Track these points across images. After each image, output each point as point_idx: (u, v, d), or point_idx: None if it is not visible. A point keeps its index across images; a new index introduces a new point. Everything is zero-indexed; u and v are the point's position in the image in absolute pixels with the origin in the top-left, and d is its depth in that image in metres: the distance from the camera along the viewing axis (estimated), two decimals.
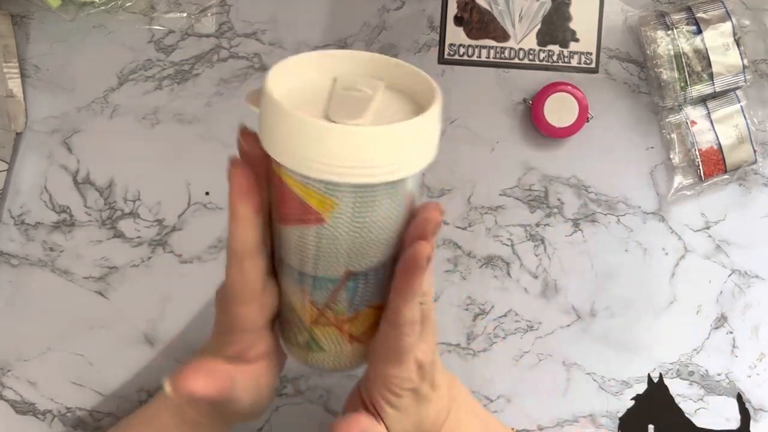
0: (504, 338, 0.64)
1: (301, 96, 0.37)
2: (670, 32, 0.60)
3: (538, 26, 0.62)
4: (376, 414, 0.43)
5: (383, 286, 0.41)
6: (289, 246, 0.39)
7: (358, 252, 0.38)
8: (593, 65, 0.62)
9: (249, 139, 0.38)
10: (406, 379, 0.42)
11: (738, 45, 0.59)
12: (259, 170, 0.38)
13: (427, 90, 0.37)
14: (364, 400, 0.44)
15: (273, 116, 0.35)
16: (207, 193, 0.62)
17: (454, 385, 0.48)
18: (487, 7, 0.62)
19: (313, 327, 0.42)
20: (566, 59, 0.62)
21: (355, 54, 0.39)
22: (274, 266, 0.42)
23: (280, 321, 0.44)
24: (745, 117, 0.61)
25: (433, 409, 0.45)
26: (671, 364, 0.64)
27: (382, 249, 0.39)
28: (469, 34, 0.62)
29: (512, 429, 0.54)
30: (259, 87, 0.37)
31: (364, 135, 0.34)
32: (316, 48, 0.61)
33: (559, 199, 0.63)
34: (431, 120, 0.36)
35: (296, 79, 0.38)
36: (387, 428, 0.43)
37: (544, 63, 0.62)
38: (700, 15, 0.59)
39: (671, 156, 0.62)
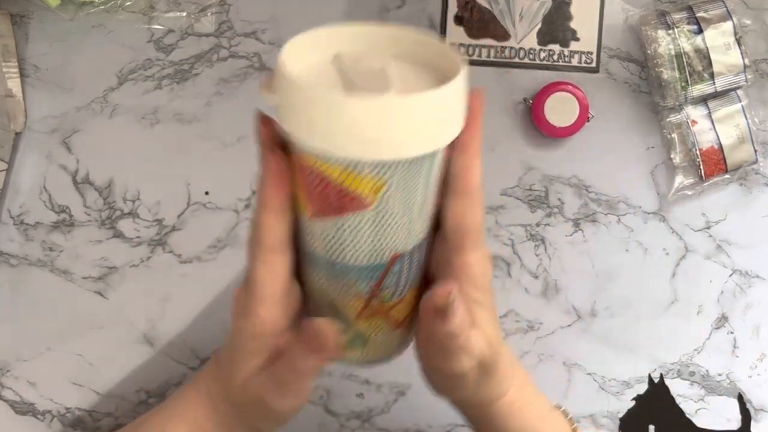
0: (504, 338, 0.63)
1: (313, 79, 0.36)
2: (670, 32, 0.59)
3: (539, 25, 0.62)
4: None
5: (424, 262, 0.40)
6: (326, 240, 0.36)
7: (406, 231, 0.36)
8: (594, 65, 0.62)
9: (270, 126, 0.36)
10: (486, 270, 0.40)
11: (739, 44, 0.59)
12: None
13: (436, 53, 0.36)
14: None
15: (307, 103, 0.32)
16: (207, 193, 0.62)
17: (519, 370, 0.47)
18: (488, 6, 0.62)
19: (358, 321, 0.40)
20: (567, 59, 0.62)
21: (353, 29, 0.37)
22: (297, 267, 0.40)
23: None
24: (745, 117, 0.61)
25: (505, 354, 0.43)
26: (672, 364, 0.64)
27: (428, 221, 0.38)
28: (470, 34, 0.62)
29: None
30: (270, 74, 0.35)
31: (415, 104, 0.32)
32: None
33: (559, 199, 0.63)
34: (465, 80, 0.34)
35: (299, 64, 0.36)
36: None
37: (545, 62, 0.62)
38: (700, 14, 0.59)
39: (672, 156, 0.62)
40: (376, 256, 0.37)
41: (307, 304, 0.41)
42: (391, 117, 0.32)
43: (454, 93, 0.34)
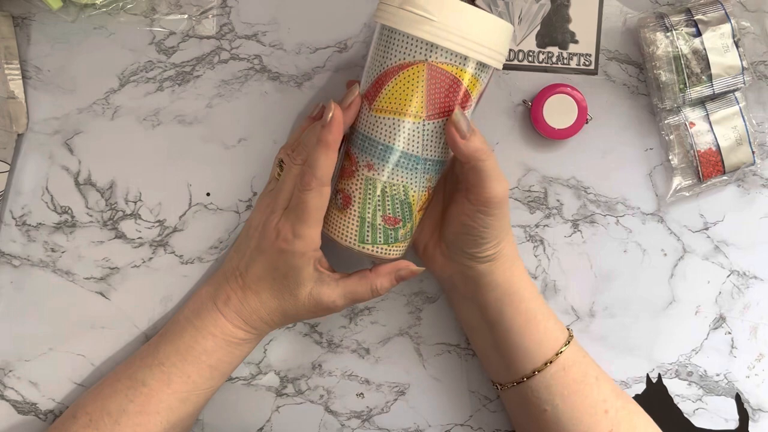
0: None
1: None
2: (669, 34, 0.60)
3: (538, 28, 0.62)
4: None
5: None
6: (434, 140, 0.49)
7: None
8: (592, 67, 0.63)
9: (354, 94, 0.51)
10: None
11: (737, 46, 0.60)
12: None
13: None
14: None
15: (468, 18, 0.46)
16: (208, 194, 0.62)
17: (519, 261, 0.57)
18: (487, 9, 0.62)
19: (419, 212, 0.52)
20: (565, 61, 0.62)
21: None
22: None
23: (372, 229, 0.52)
24: (743, 119, 0.61)
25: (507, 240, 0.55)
26: (670, 364, 0.64)
27: None
28: None
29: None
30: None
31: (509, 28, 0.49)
32: (317, 50, 0.62)
33: (558, 200, 0.63)
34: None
35: None
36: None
37: (544, 64, 0.62)
38: (699, 17, 0.60)
39: (670, 157, 0.62)
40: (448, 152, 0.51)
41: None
42: (502, 35, 0.48)
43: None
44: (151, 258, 0.62)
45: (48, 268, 0.62)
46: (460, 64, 0.47)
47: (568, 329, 0.57)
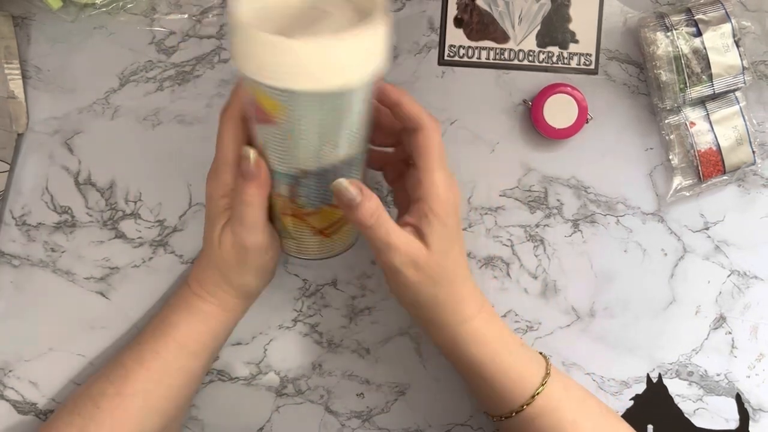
0: None
1: (267, 13, 0.44)
2: (669, 34, 0.60)
3: (538, 28, 0.62)
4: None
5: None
6: (262, 144, 0.47)
7: (307, 154, 0.45)
8: (593, 66, 0.63)
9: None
10: (449, 191, 0.49)
11: (737, 46, 0.60)
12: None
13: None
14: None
15: (238, 38, 0.41)
16: None
17: (489, 307, 0.54)
18: (487, 9, 0.62)
19: (284, 217, 0.50)
20: (566, 60, 0.62)
21: None
22: None
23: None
24: (744, 118, 0.61)
25: (461, 281, 0.52)
26: (670, 364, 0.64)
27: (331, 152, 0.45)
28: (469, 36, 0.62)
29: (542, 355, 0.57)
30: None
31: (305, 47, 0.39)
32: None
33: (558, 200, 0.63)
34: (370, 33, 0.40)
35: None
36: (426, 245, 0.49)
37: (544, 64, 0.62)
38: (699, 16, 0.60)
39: (670, 157, 0.62)
40: (289, 167, 0.46)
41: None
42: (285, 55, 0.39)
43: (340, 47, 0.39)
44: (151, 258, 0.62)
45: (48, 268, 0.62)
46: (244, 77, 0.43)
47: (546, 370, 0.55)
